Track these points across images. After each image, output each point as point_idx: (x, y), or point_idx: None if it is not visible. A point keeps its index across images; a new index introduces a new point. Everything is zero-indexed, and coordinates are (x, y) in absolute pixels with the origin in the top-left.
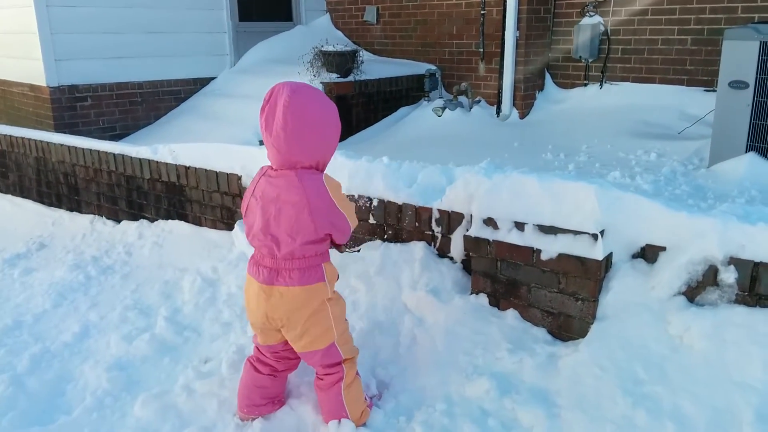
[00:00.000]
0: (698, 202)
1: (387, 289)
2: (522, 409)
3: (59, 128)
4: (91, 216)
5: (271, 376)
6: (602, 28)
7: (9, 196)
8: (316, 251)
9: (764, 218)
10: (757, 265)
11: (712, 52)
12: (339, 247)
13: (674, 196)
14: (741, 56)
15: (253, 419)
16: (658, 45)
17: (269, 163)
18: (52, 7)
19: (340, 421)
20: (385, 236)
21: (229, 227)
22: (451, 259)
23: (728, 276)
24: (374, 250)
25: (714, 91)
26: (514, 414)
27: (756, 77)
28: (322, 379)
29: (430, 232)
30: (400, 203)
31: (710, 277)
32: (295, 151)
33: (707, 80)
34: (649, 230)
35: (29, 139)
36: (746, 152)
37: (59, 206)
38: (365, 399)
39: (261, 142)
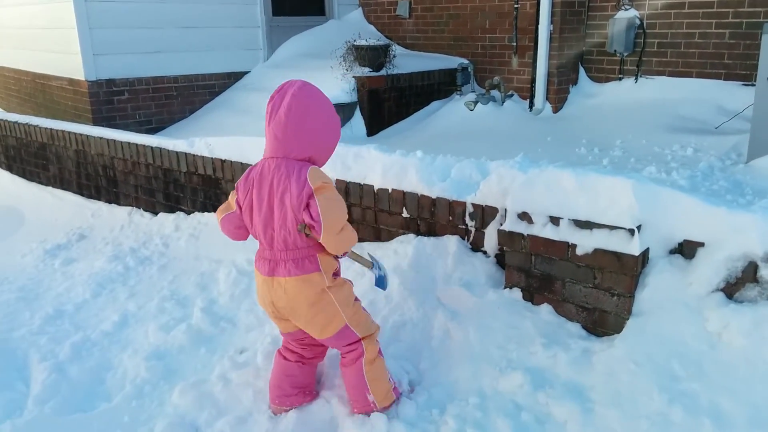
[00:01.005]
0: (736, 198)
1: (420, 282)
2: (556, 403)
3: (97, 122)
4: (129, 208)
5: (299, 363)
6: (638, 22)
7: (50, 188)
8: (308, 242)
9: None
10: None
11: (751, 45)
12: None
13: (711, 191)
14: None
15: (286, 411)
16: (695, 38)
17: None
18: (90, 2)
19: (370, 414)
20: (419, 230)
21: None
22: (485, 253)
23: None
24: (407, 244)
25: (752, 85)
26: (547, 409)
27: None
28: (345, 357)
29: (464, 226)
30: (433, 197)
31: (750, 273)
32: (291, 138)
33: (745, 74)
34: (687, 226)
35: (69, 132)
36: None
37: (98, 198)
38: (389, 379)
39: None
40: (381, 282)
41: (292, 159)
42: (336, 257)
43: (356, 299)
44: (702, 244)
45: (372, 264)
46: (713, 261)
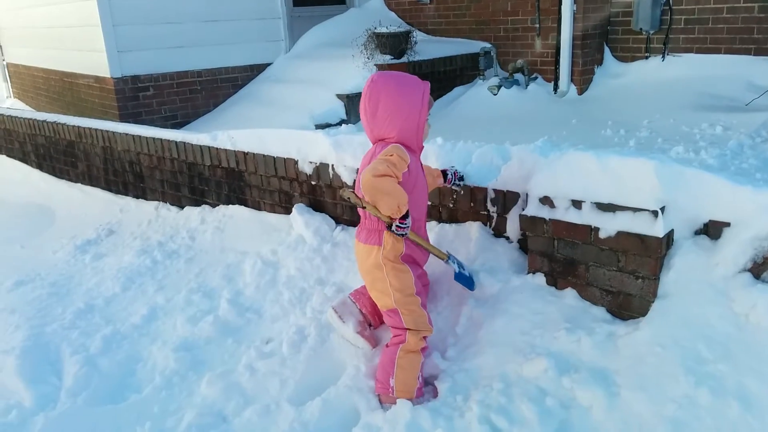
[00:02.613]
0: (766, 176)
1: (444, 270)
2: (581, 388)
3: (124, 118)
4: (156, 202)
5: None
6: None
7: (79, 185)
8: (379, 218)
9: None
10: None
11: None
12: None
13: (741, 170)
14: None
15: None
16: (723, 14)
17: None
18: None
19: (386, 397)
20: (441, 217)
21: (288, 211)
22: (507, 238)
23: None
24: (430, 231)
25: None
26: (572, 393)
27: None
28: (391, 339)
29: (486, 212)
30: None
31: None
32: (371, 125)
33: None
34: (713, 206)
35: (96, 129)
36: None
37: (126, 194)
38: (418, 378)
39: (316, 127)
40: (462, 278)
41: (381, 141)
42: (398, 234)
43: (417, 294)
44: (728, 224)
45: (447, 256)
46: (739, 241)
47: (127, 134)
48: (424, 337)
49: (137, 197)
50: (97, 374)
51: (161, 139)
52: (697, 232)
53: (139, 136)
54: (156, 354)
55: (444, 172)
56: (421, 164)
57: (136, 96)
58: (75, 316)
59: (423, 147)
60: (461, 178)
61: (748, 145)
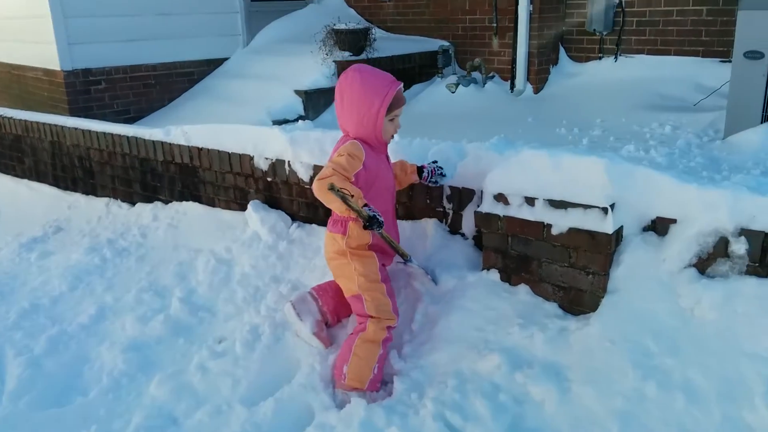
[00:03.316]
0: (712, 174)
1: (400, 266)
2: (533, 383)
3: (74, 112)
4: (107, 199)
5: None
6: (616, 1)
7: (25, 181)
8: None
9: None
10: None
11: (728, 22)
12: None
13: (688, 168)
14: (756, 26)
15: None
16: (674, 16)
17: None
18: None
19: (337, 385)
20: (397, 214)
21: (243, 208)
22: (463, 235)
23: (739, 247)
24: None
25: (729, 61)
26: (525, 389)
27: None
28: (354, 327)
29: (442, 209)
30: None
31: (721, 248)
32: (339, 118)
33: (723, 51)
34: (660, 203)
35: (44, 124)
36: (762, 123)
37: (75, 190)
38: (373, 369)
39: (274, 123)
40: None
41: (344, 135)
42: (366, 228)
43: (382, 282)
44: (674, 221)
45: (409, 256)
46: (685, 237)
47: (76, 129)
48: (388, 327)
49: (87, 193)
50: (41, 376)
51: (112, 134)
52: (645, 229)
53: (89, 131)
54: (104, 355)
55: (421, 169)
56: (388, 160)
57: (88, 90)
58: (19, 317)
59: (386, 143)
60: (442, 176)
61: (695, 144)
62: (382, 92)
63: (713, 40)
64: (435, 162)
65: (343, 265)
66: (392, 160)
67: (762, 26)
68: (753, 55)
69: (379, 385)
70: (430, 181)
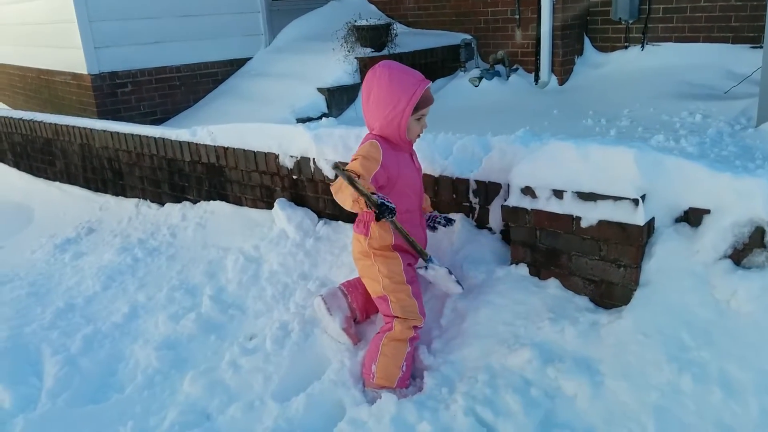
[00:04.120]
0: (746, 163)
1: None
2: (565, 377)
3: (102, 115)
4: (136, 200)
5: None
6: None
7: (57, 183)
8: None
9: None
10: None
11: (758, 6)
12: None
13: (720, 157)
14: None
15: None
16: (701, 2)
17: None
18: None
19: (368, 383)
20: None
21: (269, 206)
22: (490, 229)
23: None
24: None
25: (761, 47)
26: (557, 383)
27: None
28: (381, 327)
29: (468, 204)
30: (436, 175)
31: (757, 238)
32: (365, 114)
33: (754, 36)
34: (693, 193)
35: (73, 127)
36: None
37: (105, 191)
38: (401, 368)
39: (298, 120)
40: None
41: (370, 133)
42: (378, 219)
43: (408, 282)
44: (708, 211)
45: (429, 255)
46: (719, 228)
47: (105, 131)
48: (414, 327)
49: (117, 195)
50: (78, 374)
51: (140, 136)
52: (678, 220)
53: (118, 133)
54: (138, 353)
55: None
56: (413, 160)
57: (114, 92)
58: (55, 316)
59: (411, 142)
60: (433, 227)
61: (727, 133)
62: (409, 91)
63: (743, 26)
64: (435, 216)
65: (367, 267)
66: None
67: None
68: None
69: (408, 382)
70: (428, 223)
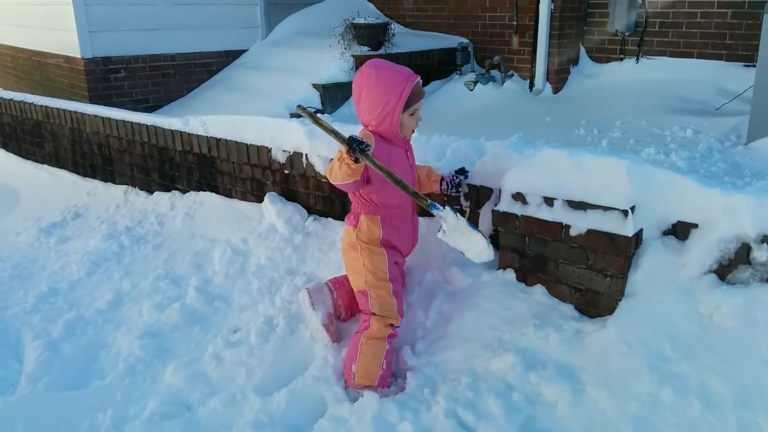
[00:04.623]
0: (734, 180)
1: (416, 263)
2: (547, 384)
3: (93, 99)
4: (125, 187)
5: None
6: (640, 1)
7: (45, 166)
8: (357, 201)
9: None
10: None
11: (753, 26)
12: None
13: (710, 173)
14: None
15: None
16: (697, 18)
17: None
18: None
19: (358, 388)
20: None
21: (259, 199)
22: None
23: (761, 254)
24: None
25: (753, 66)
26: (538, 389)
27: None
28: (360, 326)
29: (459, 207)
30: None
31: (742, 255)
32: (358, 113)
33: (747, 55)
34: (681, 207)
35: (64, 110)
36: None
37: (94, 176)
38: (381, 366)
39: (291, 115)
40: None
41: (365, 129)
42: (351, 154)
43: (390, 280)
44: (696, 226)
45: (429, 201)
46: (706, 242)
47: (96, 116)
48: (391, 325)
49: (105, 180)
50: (58, 360)
51: (132, 123)
52: (666, 233)
53: (109, 119)
54: (120, 340)
55: (442, 179)
56: (408, 156)
57: (107, 78)
58: (37, 300)
59: (407, 139)
60: (458, 185)
61: (717, 149)
62: (398, 88)
63: (737, 44)
64: (452, 173)
65: (353, 259)
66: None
67: None
68: None
69: (390, 380)
70: (450, 191)
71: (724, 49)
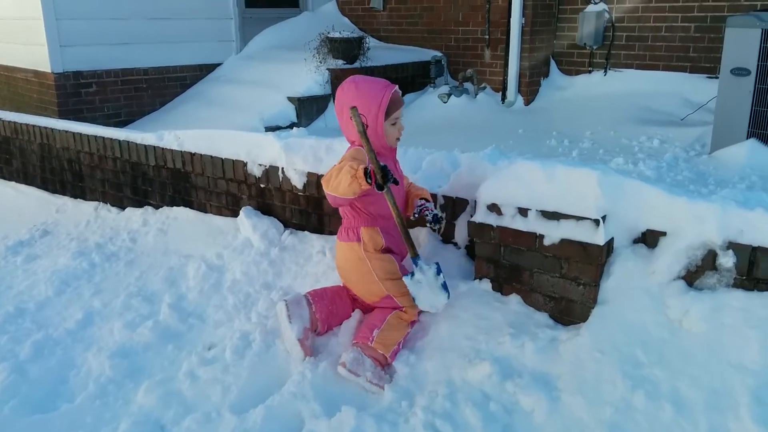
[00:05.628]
0: (699, 188)
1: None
2: (523, 393)
3: (64, 115)
4: (96, 203)
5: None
6: (607, 16)
7: (13, 183)
8: (352, 214)
9: (763, 204)
10: (755, 249)
11: (715, 39)
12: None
13: (676, 182)
14: (743, 43)
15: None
16: (662, 32)
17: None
18: None
19: (363, 345)
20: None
21: (235, 214)
22: (456, 245)
23: (727, 260)
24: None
25: (716, 78)
26: (515, 398)
27: (758, 64)
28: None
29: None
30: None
31: (709, 261)
32: (343, 130)
33: (710, 67)
34: (650, 216)
35: (33, 126)
36: (747, 138)
37: (63, 193)
38: (399, 344)
39: (267, 129)
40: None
41: (352, 146)
42: (379, 186)
43: (401, 279)
44: (664, 234)
45: (417, 254)
46: (674, 250)
47: (66, 131)
48: (419, 312)
49: (75, 197)
50: (26, 382)
51: (104, 138)
52: (636, 241)
53: (80, 134)
54: (91, 361)
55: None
56: (396, 166)
57: (78, 92)
58: (4, 321)
59: (393, 148)
60: (437, 220)
61: (683, 158)
62: (378, 97)
63: (701, 56)
64: (424, 205)
65: (365, 273)
66: None
67: (748, 44)
68: (739, 72)
69: (395, 359)
70: (416, 214)
71: (688, 61)
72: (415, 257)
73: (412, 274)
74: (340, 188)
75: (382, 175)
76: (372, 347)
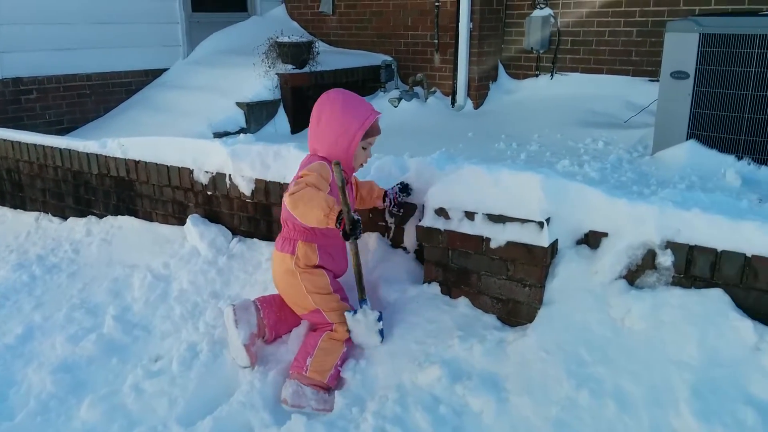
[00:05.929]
0: (642, 189)
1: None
2: (472, 394)
3: (2, 123)
4: (36, 213)
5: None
6: (552, 20)
7: None
8: (294, 226)
9: (699, 204)
10: (692, 248)
11: (656, 43)
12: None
13: (620, 183)
14: (682, 48)
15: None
16: (606, 36)
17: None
18: None
19: (298, 375)
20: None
21: (181, 222)
22: (405, 249)
23: (665, 259)
24: None
25: (657, 81)
26: (464, 400)
27: (696, 68)
28: (315, 330)
29: (384, 223)
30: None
31: (649, 260)
32: (311, 139)
33: (652, 71)
34: (592, 217)
35: None
36: (687, 140)
37: (2, 204)
38: (335, 366)
39: (215, 135)
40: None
41: (314, 155)
42: (346, 236)
43: (336, 292)
44: (606, 234)
45: (365, 298)
46: (616, 250)
47: (5, 140)
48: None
49: (15, 207)
50: None
51: (44, 146)
52: (579, 242)
53: (19, 142)
54: (31, 377)
55: (386, 194)
56: (352, 187)
57: (18, 99)
58: None
59: (354, 170)
60: (401, 205)
61: (626, 159)
62: (362, 116)
63: (642, 60)
64: (400, 184)
65: (292, 286)
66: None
67: (687, 48)
68: (679, 75)
69: (336, 382)
70: (392, 209)
71: (631, 65)
72: (362, 300)
73: (355, 311)
74: (306, 217)
75: (351, 227)
76: (308, 376)
